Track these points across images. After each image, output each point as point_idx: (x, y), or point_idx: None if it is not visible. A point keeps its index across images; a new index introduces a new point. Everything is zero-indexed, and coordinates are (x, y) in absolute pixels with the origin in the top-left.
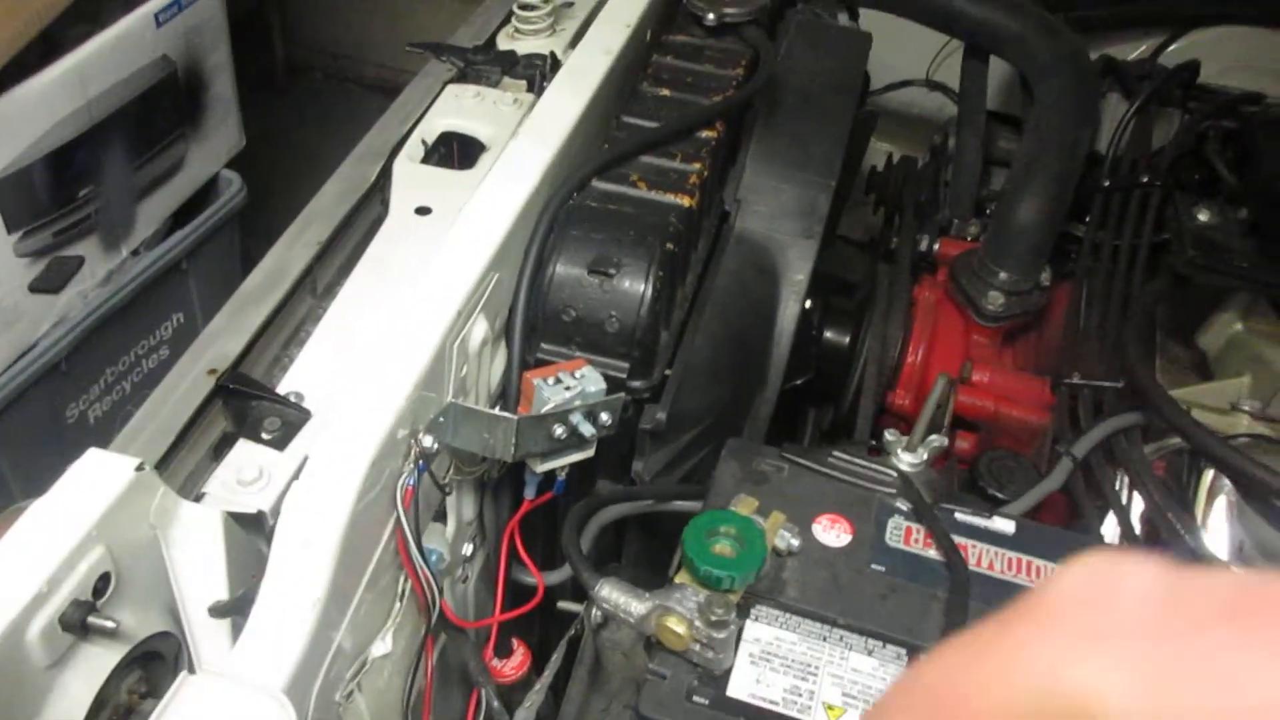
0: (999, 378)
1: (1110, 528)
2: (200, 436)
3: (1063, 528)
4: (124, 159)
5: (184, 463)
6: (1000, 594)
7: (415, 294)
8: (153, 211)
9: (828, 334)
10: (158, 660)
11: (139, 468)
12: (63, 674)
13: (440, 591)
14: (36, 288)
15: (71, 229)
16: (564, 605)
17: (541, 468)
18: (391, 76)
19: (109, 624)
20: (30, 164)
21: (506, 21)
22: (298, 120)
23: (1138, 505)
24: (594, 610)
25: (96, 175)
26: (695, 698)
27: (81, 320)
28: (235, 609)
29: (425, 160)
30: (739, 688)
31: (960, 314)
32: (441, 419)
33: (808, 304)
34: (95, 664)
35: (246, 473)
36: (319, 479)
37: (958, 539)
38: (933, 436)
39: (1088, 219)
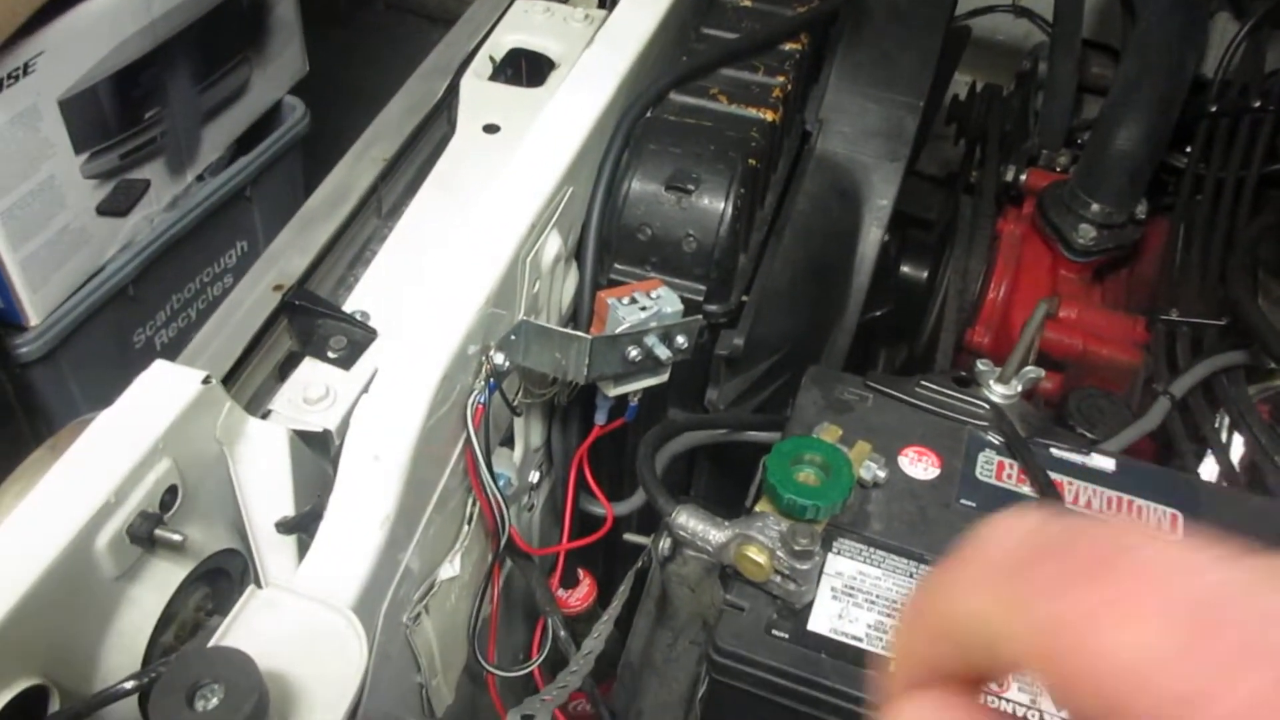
0: (1088, 314)
1: (1208, 470)
2: (266, 354)
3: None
4: (189, 81)
5: (250, 380)
6: None
7: (487, 205)
8: (217, 136)
9: (905, 268)
10: (224, 578)
11: (205, 380)
12: (131, 586)
13: (509, 519)
14: (104, 210)
15: (138, 151)
16: (630, 538)
17: (614, 391)
18: (454, 7)
19: (176, 537)
20: (96, 83)
21: None
22: (360, 50)
23: (1237, 448)
24: (661, 543)
25: (162, 97)
26: (774, 631)
27: (148, 245)
28: (302, 525)
29: (493, 78)
30: (820, 622)
31: (1048, 248)
32: (513, 337)
33: (885, 238)
34: (163, 578)
35: (312, 391)
36: (389, 391)
37: (1053, 475)
38: (1029, 368)
39: (1189, 148)
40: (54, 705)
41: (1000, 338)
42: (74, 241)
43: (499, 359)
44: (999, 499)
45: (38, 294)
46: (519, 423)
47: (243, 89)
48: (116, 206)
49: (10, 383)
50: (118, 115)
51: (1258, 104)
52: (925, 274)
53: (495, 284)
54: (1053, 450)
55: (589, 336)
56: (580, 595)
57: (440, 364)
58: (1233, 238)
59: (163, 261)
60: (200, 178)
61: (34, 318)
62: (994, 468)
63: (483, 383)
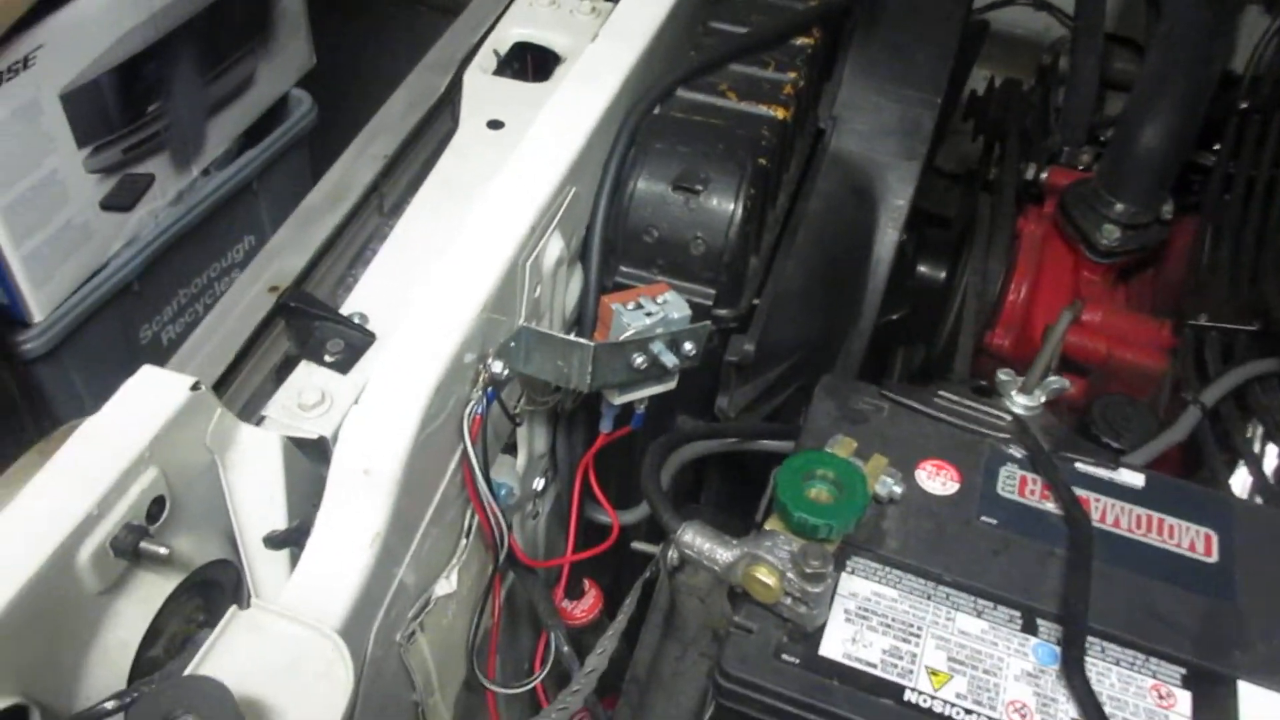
0: (1112, 318)
1: (1240, 482)
2: (262, 358)
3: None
4: (193, 73)
5: (245, 385)
6: (1128, 554)
7: (485, 207)
8: (223, 130)
9: (922, 267)
10: (216, 589)
11: (194, 387)
12: (116, 600)
13: (509, 528)
14: (108, 205)
15: (141, 145)
16: (638, 546)
17: (619, 399)
18: None
19: (162, 550)
20: (98, 76)
21: None
22: (369, 43)
23: (1271, 459)
24: (670, 552)
25: (166, 90)
26: (784, 655)
27: (153, 240)
28: (290, 540)
29: (498, 72)
30: (832, 647)
31: (1070, 249)
32: (513, 344)
33: (902, 237)
34: (150, 591)
35: (308, 396)
36: (380, 403)
37: (1079, 492)
38: (1052, 377)
39: (1218, 146)
40: None
41: (1021, 340)
42: (78, 237)
43: (497, 367)
44: (1021, 516)
45: (41, 290)
46: (522, 430)
47: (248, 82)
48: (121, 201)
49: (14, 380)
50: (120, 109)
51: None
52: (943, 274)
53: (492, 290)
54: (1078, 465)
55: (592, 344)
56: (586, 606)
57: (434, 374)
58: (1264, 238)
59: (168, 257)
60: (206, 172)
61: (38, 314)
62: (1016, 483)
63: (480, 392)
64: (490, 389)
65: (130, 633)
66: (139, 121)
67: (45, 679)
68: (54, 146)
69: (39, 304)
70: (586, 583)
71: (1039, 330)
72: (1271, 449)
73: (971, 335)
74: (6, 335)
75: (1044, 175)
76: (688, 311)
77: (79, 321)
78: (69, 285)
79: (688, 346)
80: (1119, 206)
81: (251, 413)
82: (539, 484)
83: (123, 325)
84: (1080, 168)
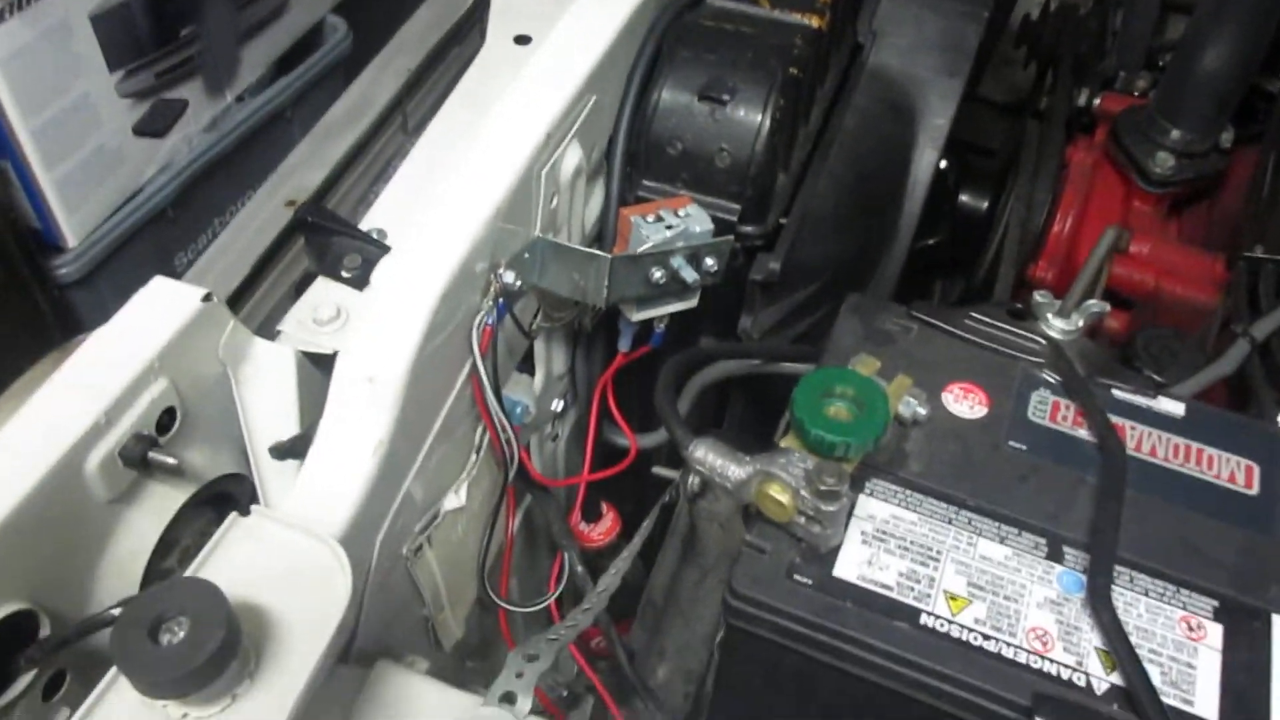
0: (1162, 250)
1: None
2: (282, 274)
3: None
4: None
5: (264, 301)
6: (1163, 483)
7: (500, 114)
8: (256, 56)
9: (964, 197)
10: (229, 502)
11: (206, 298)
12: (127, 510)
13: (520, 445)
14: (141, 130)
15: (174, 70)
16: (659, 471)
17: (637, 316)
18: None
19: (171, 461)
20: None
21: None
22: None
23: None
24: (691, 478)
25: (198, 14)
26: (797, 576)
27: (186, 166)
28: (294, 450)
29: None
30: (847, 568)
31: (1121, 178)
32: (527, 255)
33: (943, 164)
34: (162, 503)
35: (323, 311)
36: (385, 309)
37: (1115, 419)
38: (1092, 301)
39: None
40: (45, 631)
41: (1065, 273)
42: (110, 162)
43: (509, 278)
44: (1052, 442)
45: (75, 215)
46: (540, 348)
47: (282, 8)
48: (154, 126)
49: (49, 305)
50: (152, 32)
51: None
52: (986, 204)
53: (504, 197)
54: (1115, 391)
55: (608, 256)
56: (603, 529)
57: (440, 280)
58: None
59: (202, 184)
60: (240, 98)
61: (72, 239)
62: (1048, 408)
63: (491, 303)
64: (501, 300)
65: (141, 543)
66: (171, 45)
67: (55, 585)
68: (84, 69)
69: (72, 229)
70: (604, 506)
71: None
72: None
73: (1013, 266)
74: (41, 260)
75: (1097, 101)
76: (710, 225)
77: (113, 247)
78: (103, 211)
79: (709, 262)
80: (1175, 133)
81: (270, 328)
82: (558, 405)
83: (157, 252)
84: (1136, 94)
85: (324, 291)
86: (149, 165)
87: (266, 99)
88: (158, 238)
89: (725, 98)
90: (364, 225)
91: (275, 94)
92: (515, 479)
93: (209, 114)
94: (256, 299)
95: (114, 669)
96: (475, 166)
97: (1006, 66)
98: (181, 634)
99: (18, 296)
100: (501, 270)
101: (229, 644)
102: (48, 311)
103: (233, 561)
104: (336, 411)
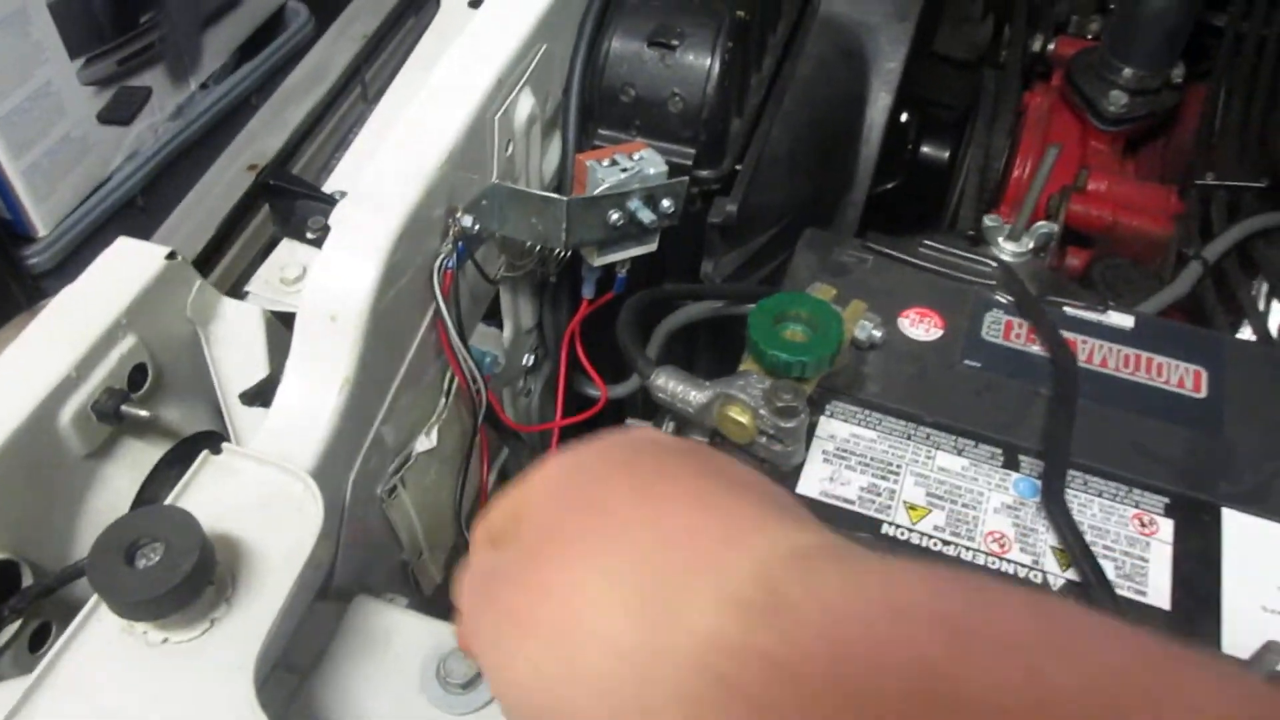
0: (1119, 186)
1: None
2: (250, 239)
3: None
4: None
5: (234, 265)
6: (1114, 392)
7: (450, 60)
8: (219, 43)
9: (925, 148)
10: None
11: (170, 255)
12: (103, 465)
13: (489, 391)
14: (105, 118)
15: (136, 57)
16: (633, 422)
17: (598, 260)
18: None
19: (144, 414)
20: None
21: None
22: None
23: (1277, 315)
24: (665, 426)
25: (157, 0)
26: None
27: (153, 155)
28: (263, 394)
29: None
30: (810, 486)
31: (1077, 119)
32: (485, 202)
33: (903, 117)
34: (138, 457)
35: (290, 271)
36: (343, 247)
37: (1067, 335)
38: (1040, 223)
39: (1230, 6)
40: (27, 581)
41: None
42: (77, 150)
43: (467, 221)
44: (1006, 358)
45: (44, 204)
46: (506, 301)
47: None
48: (118, 115)
49: (23, 294)
50: (112, 19)
51: None
52: (946, 154)
53: (457, 141)
54: (1066, 309)
55: (565, 199)
56: None
57: (396, 219)
58: (1276, 98)
59: (170, 171)
60: (204, 86)
61: (42, 228)
62: (1001, 327)
63: (450, 245)
64: (461, 244)
65: (118, 498)
66: (132, 32)
67: (35, 538)
68: (46, 57)
69: (42, 218)
70: None
71: (1044, 208)
72: (1276, 305)
73: (974, 214)
74: (12, 250)
75: (1051, 46)
76: (664, 167)
77: (84, 236)
78: (72, 200)
79: (665, 203)
80: (1127, 71)
81: (239, 291)
82: (528, 360)
83: None
84: (1090, 37)
85: (290, 252)
86: (116, 154)
87: (230, 86)
88: (127, 226)
89: (674, 43)
90: (327, 189)
91: (239, 80)
92: (486, 424)
93: (173, 102)
94: (225, 264)
95: (94, 597)
96: (427, 111)
97: (966, 24)
98: (156, 558)
99: None
100: (459, 215)
101: (203, 566)
102: (22, 301)
103: (205, 495)
104: (301, 349)
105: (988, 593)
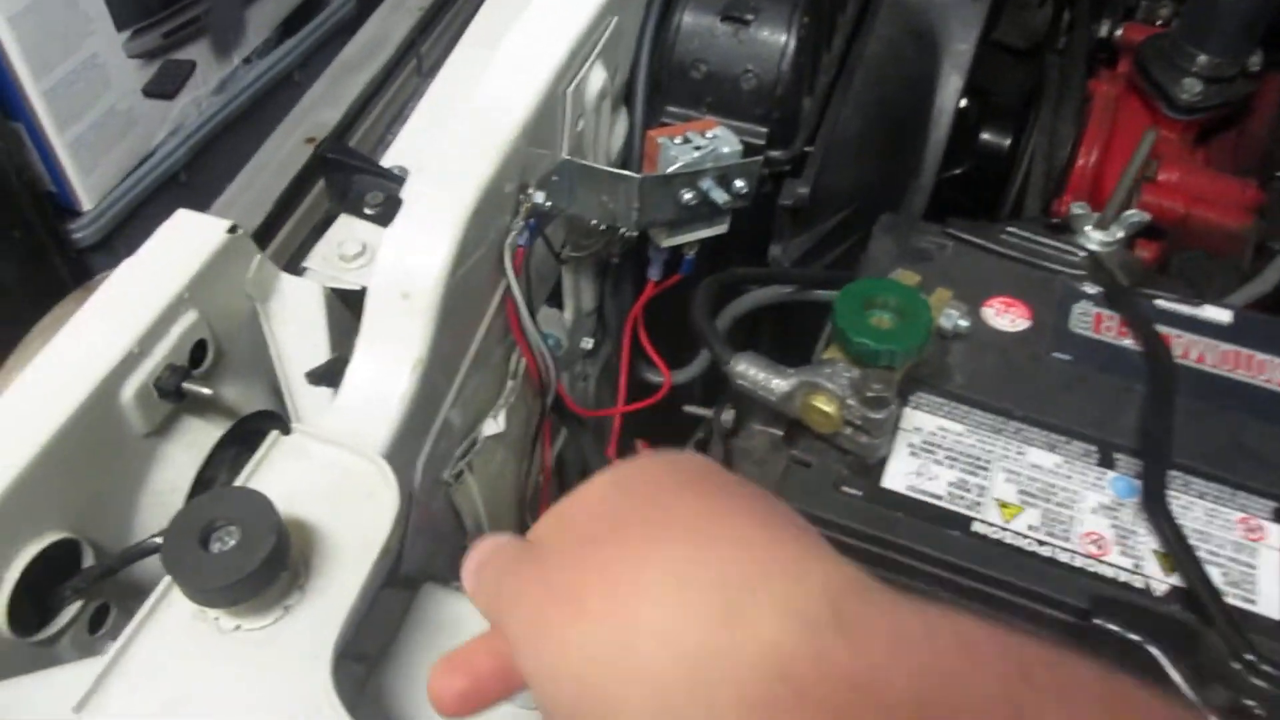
0: (1191, 177)
1: None
2: (307, 213)
3: None
4: None
5: (290, 240)
6: (1213, 390)
7: (520, 31)
8: (262, 18)
9: (986, 135)
10: (263, 440)
11: (231, 229)
12: (164, 444)
13: (556, 374)
14: (150, 91)
15: (181, 30)
16: (691, 409)
17: (667, 242)
18: None
19: (205, 390)
20: None
21: None
22: None
23: None
24: (724, 414)
25: None
26: (845, 488)
27: (197, 129)
28: (331, 374)
29: None
30: (896, 480)
31: (1146, 107)
32: (555, 178)
33: (963, 103)
34: (198, 437)
35: (349, 247)
36: (416, 225)
37: (1160, 329)
38: (1131, 211)
39: None
40: (89, 562)
41: (1091, 207)
42: (122, 124)
43: (539, 197)
44: (1097, 352)
45: (89, 177)
46: (568, 282)
47: None
48: (163, 88)
49: (68, 268)
50: None
51: None
52: (1008, 141)
53: (530, 115)
54: (1159, 302)
55: (638, 176)
56: None
57: (470, 196)
58: None
59: (214, 146)
60: (248, 60)
61: (87, 202)
62: (1091, 320)
63: (522, 222)
64: (533, 220)
65: (179, 477)
66: (177, 5)
67: (96, 518)
68: (93, 28)
69: (87, 192)
70: (639, 443)
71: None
72: None
73: (1039, 203)
74: (58, 224)
75: (1119, 32)
76: (739, 146)
77: (128, 210)
78: (116, 174)
79: (739, 184)
80: (1201, 58)
81: (296, 266)
82: (588, 343)
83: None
84: (1159, 23)
85: (348, 228)
86: (160, 128)
87: (273, 61)
88: (171, 201)
89: (749, 17)
90: (385, 163)
91: (281, 56)
92: (551, 409)
93: (217, 76)
94: (281, 239)
95: (166, 579)
96: (499, 83)
97: (1023, 11)
98: (232, 542)
99: (36, 260)
100: (531, 190)
101: (279, 552)
102: (66, 275)
103: (277, 477)
104: (372, 329)
105: (1041, 643)
